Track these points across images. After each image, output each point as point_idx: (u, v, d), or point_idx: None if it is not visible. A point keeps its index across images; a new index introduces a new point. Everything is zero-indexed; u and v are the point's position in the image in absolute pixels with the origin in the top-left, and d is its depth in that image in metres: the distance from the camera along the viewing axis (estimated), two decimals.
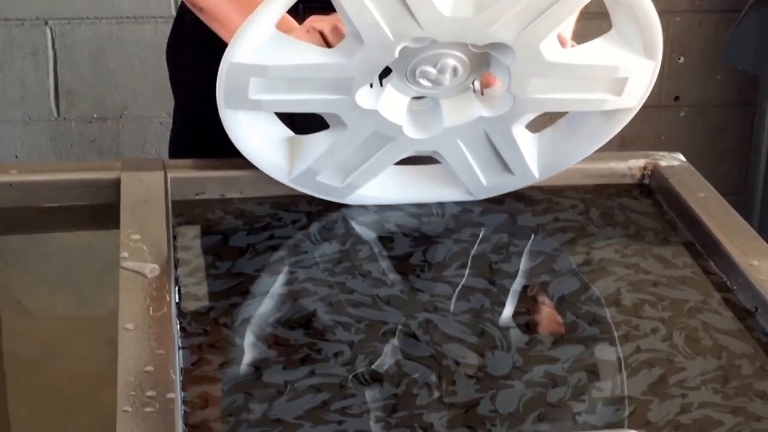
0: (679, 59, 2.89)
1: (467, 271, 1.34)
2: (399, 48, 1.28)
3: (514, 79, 1.33)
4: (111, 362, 1.08)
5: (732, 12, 2.85)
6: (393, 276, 1.32)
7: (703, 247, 1.38)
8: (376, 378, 1.14)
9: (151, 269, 1.23)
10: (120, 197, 1.38)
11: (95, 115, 2.76)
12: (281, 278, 1.32)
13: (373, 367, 1.16)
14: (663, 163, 1.52)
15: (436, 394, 1.12)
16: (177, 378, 1.08)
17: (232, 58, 1.27)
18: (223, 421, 1.07)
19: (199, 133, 1.58)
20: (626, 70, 1.34)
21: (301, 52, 1.29)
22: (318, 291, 1.29)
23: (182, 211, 1.42)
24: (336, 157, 1.38)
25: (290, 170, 1.40)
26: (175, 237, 1.36)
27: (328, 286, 1.30)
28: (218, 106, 1.33)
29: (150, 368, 1.07)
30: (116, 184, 1.42)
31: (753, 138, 2.92)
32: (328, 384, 1.13)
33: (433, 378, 1.14)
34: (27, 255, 1.43)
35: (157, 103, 2.75)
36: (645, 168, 1.52)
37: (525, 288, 1.32)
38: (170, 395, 1.04)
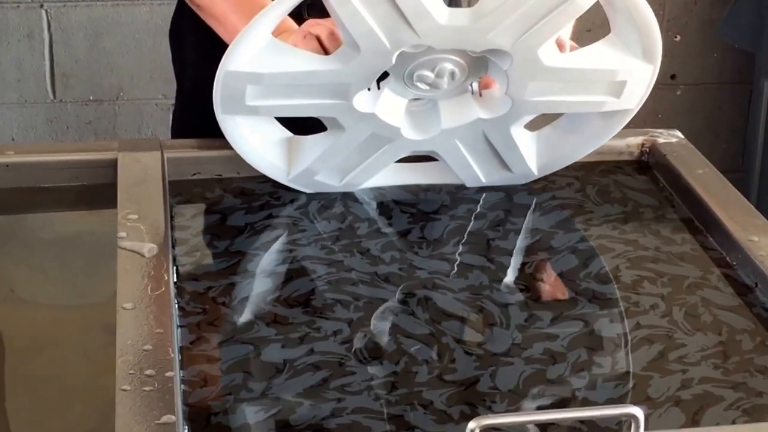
0: (676, 37, 2.88)
1: (465, 248, 1.34)
2: (396, 54, 1.27)
3: (512, 83, 1.32)
4: (108, 347, 1.08)
5: None
6: (391, 253, 1.32)
7: (702, 223, 1.38)
8: (375, 356, 1.14)
9: (149, 249, 1.23)
10: (117, 177, 1.38)
11: (91, 97, 2.76)
12: (280, 257, 1.32)
13: (372, 344, 1.15)
14: (661, 140, 1.51)
15: (436, 372, 1.12)
16: (176, 357, 1.08)
17: (228, 66, 1.27)
18: (222, 400, 1.07)
19: (202, 115, 1.57)
20: (625, 73, 1.34)
21: (297, 59, 1.29)
22: (316, 269, 1.28)
23: (179, 191, 1.42)
24: (334, 158, 1.38)
25: (288, 170, 1.40)
26: (172, 217, 1.36)
27: (326, 264, 1.30)
28: (215, 111, 1.32)
29: (149, 347, 1.07)
30: (113, 164, 1.41)
31: (750, 116, 2.92)
32: (327, 362, 1.12)
33: (433, 355, 1.14)
34: (24, 236, 1.43)
35: (153, 85, 2.74)
36: (643, 145, 1.52)
37: (523, 265, 1.31)
38: (169, 374, 1.04)
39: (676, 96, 2.91)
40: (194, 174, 1.45)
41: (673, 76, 2.90)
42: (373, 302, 1.23)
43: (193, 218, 1.40)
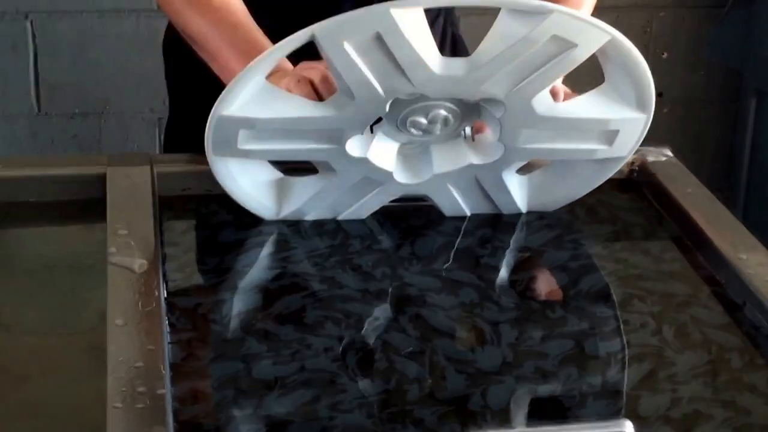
0: (663, 55, 2.90)
1: (455, 264, 1.34)
2: (390, 102, 1.28)
3: (505, 130, 1.33)
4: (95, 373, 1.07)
5: (716, 7, 2.86)
6: (383, 269, 1.32)
7: (692, 241, 1.39)
8: (366, 373, 1.14)
9: (140, 264, 1.23)
10: (106, 192, 1.38)
11: (77, 110, 2.75)
12: (271, 273, 1.32)
13: (363, 362, 1.15)
14: (650, 159, 1.52)
15: (427, 390, 1.12)
16: (167, 373, 1.07)
17: (221, 111, 1.27)
18: (213, 417, 1.07)
19: (195, 129, 1.58)
20: (618, 123, 1.34)
21: (291, 105, 1.29)
22: (307, 286, 1.28)
23: (170, 206, 1.41)
24: (325, 200, 1.38)
25: (279, 210, 1.39)
26: (162, 232, 1.36)
27: (318, 280, 1.29)
28: (206, 153, 1.32)
29: (140, 364, 1.07)
30: (102, 179, 1.41)
31: (736, 133, 2.93)
32: (318, 379, 1.12)
33: (424, 373, 1.14)
34: (9, 252, 1.42)
35: (139, 99, 2.74)
36: (632, 163, 1.52)
37: (513, 283, 1.31)
38: (161, 391, 1.03)
39: (663, 113, 2.92)
40: (184, 189, 1.44)
41: (660, 94, 2.90)
42: (364, 319, 1.23)
43: (183, 234, 1.40)
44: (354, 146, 1.32)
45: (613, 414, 1.09)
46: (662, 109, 2.92)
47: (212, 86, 1.47)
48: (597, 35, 1.25)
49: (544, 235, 1.41)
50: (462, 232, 1.40)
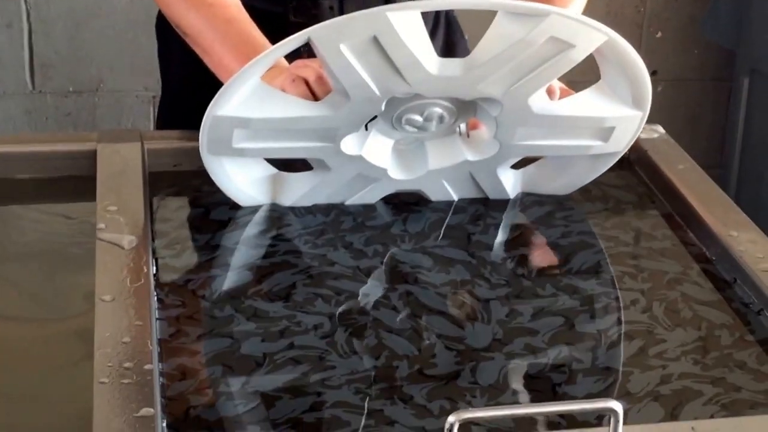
0: (657, 34, 2.89)
1: (446, 242, 1.34)
2: (385, 101, 1.27)
3: (501, 128, 1.32)
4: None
5: None
6: (374, 247, 1.32)
7: (683, 218, 1.38)
8: (355, 350, 1.13)
9: (129, 241, 1.23)
10: (96, 169, 1.37)
11: (71, 89, 2.74)
12: (262, 251, 1.31)
13: (352, 339, 1.15)
14: (643, 136, 1.51)
15: (416, 366, 1.12)
16: (155, 349, 1.07)
17: (216, 111, 1.26)
18: (201, 393, 1.07)
19: (188, 109, 1.57)
20: (614, 120, 1.34)
21: (286, 105, 1.28)
22: (299, 263, 1.28)
23: (160, 183, 1.41)
24: (319, 196, 1.38)
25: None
26: (152, 209, 1.35)
27: (309, 258, 1.29)
28: (201, 152, 1.31)
29: (127, 339, 1.06)
30: (92, 155, 1.41)
31: (729, 113, 2.93)
32: (307, 356, 1.12)
33: (414, 350, 1.14)
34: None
35: (133, 77, 2.73)
36: None
37: (504, 260, 1.31)
38: (148, 366, 1.03)
39: (657, 92, 2.90)
40: (175, 165, 1.44)
41: (654, 72, 2.90)
42: (354, 297, 1.23)
43: (173, 210, 1.39)
44: (349, 144, 1.32)
45: (602, 391, 1.09)
46: (656, 88, 2.89)
47: (205, 67, 1.47)
48: (594, 36, 1.25)
49: (536, 213, 1.41)
50: (454, 209, 1.40)
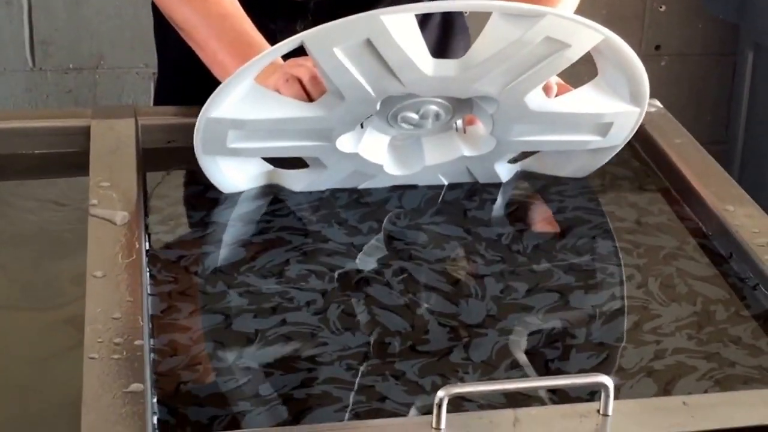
0: (661, 8, 2.87)
1: (442, 218, 1.33)
2: (380, 101, 1.27)
3: (498, 125, 1.32)
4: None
5: None
6: (369, 224, 1.31)
7: (679, 193, 1.38)
8: (347, 327, 1.13)
9: (122, 217, 1.22)
10: (90, 145, 1.37)
11: (71, 66, 2.74)
12: (256, 227, 1.31)
13: (345, 315, 1.15)
14: None
15: (409, 343, 1.11)
16: (146, 325, 1.07)
17: (210, 113, 1.25)
18: (192, 369, 1.06)
19: (184, 86, 1.57)
20: (611, 116, 1.33)
21: (280, 106, 1.27)
22: (293, 240, 1.27)
23: (155, 159, 1.40)
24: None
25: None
26: (146, 185, 1.35)
27: (303, 234, 1.29)
28: (195, 152, 1.30)
29: (118, 315, 1.06)
30: (87, 131, 1.40)
31: (734, 87, 2.92)
32: (299, 333, 1.12)
33: (407, 327, 1.13)
34: None
35: (133, 54, 2.73)
36: None
37: (499, 236, 1.31)
38: (138, 342, 1.03)
39: (661, 67, 2.90)
40: (169, 142, 1.44)
41: (657, 47, 2.89)
42: (348, 273, 1.22)
43: (169, 187, 1.39)
44: (345, 142, 1.31)
45: (596, 366, 1.09)
46: (660, 63, 2.90)
47: None
48: (590, 35, 1.24)
49: (531, 188, 1.40)
50: (449, 185, 1.39)
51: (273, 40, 1.50)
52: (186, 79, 1.53)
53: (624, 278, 1.23)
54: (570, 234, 1.31)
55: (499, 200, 1.38)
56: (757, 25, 2.73)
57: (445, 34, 1.64)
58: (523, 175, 1.42)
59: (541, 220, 1.36)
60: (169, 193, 1.37)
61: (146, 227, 1.26)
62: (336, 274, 1.21)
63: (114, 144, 1.37)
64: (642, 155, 1.46)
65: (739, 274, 1.23)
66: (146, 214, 1.29)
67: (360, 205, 1.35)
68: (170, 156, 1.42)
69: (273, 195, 1.36)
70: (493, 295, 1.19)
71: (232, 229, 1.30)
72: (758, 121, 2.80)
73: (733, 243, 1.26)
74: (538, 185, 1.40)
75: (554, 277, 1.22)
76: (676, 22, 2.90)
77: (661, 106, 1.52)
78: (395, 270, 1.23)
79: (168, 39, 1.69)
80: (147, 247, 1.22)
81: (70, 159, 1.40)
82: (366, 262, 1.24)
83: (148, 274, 1.18)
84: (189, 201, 1.36)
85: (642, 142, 1.47)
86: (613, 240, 1.30)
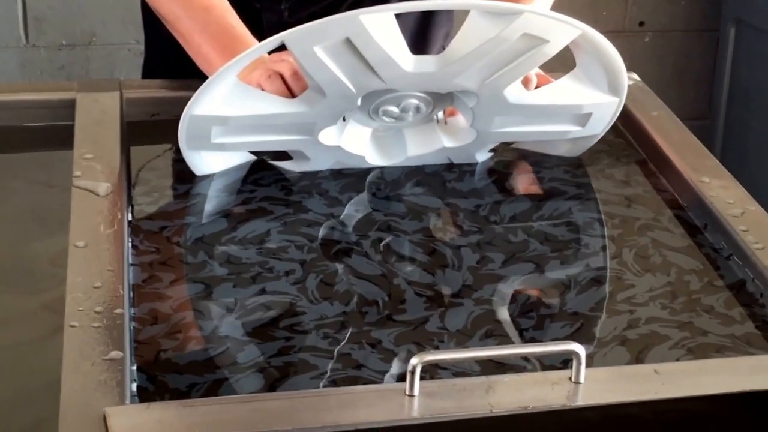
0: None
1: (422, 189, 1.35)
2: (361, 97, 1.28)
3: (478, 117, 1.33)
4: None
5: None
6: (349, 194, 1.33)
7: (656, 165, 1.39)
8: (325, 296, 1.15)
9: (105, 188, 1.24)
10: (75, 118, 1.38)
11: (64, 42, 2.75)
12: (238, 198, 1.32)
13: (323, 285, 1.16)
14: None
15: (386, 312, 1.13)
16: (126, 294, 1.08)
17: (193, 111, 1.27)
18: (172, 338, 1.08)
19: (170, 64, 1.58)
20: (591, 107, 1.35)
21: (263, 102, 1.29)
22: (274, 210, 1.29)
23: (139, 132, 1.42)
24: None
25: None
26: (130, 157, 1.36)
27: (284, 205, 1.30)
28: (180, 147, 1.32)
29: (99, 284, 1.08)
30: (72, 104, 1.41)
31: (717, 64, 2.92)
32: (277, 302, 1.13)
33: (384, 296, 1.15)
34: None
35: (125, 30, 2.73)
36: None
37: (478, 207, 1.32)
38: (118, 310, 1.04)
39: (645, 43, 2.91)
40: (153, 115, 1.45)
41: (641, 23, 2.90)
42: (327, 244, 1.24)
43: (153, 159, 1.40)
44: (327, 136, 1.33)
45: (569, 335, 1.10)
46: (643, 39, 2.91)
47: None
48: (567, 31, 1.26)
49: (509, 159, 1.42)
50: None
51: (257, 19, 1.51)
52: (172, 59, 1.54)
53: (599, 249, 1.25)
54: (546, 205, 1.32)
55: (478, 172, 1.39)
56: (739, 1, 2.74)
57: (426, 22, 1.65)
58: (501, 147, 1.43)
59: (519, 191, 1.37)
60: (154, 165, 1.39)
61: (130, 199, 1.28)
62: (316, 245, 1.23)
63: (98, 116, 1.38)
64: (619, 127, 1.47)
65: (713, 244, 1.25)
66: (132, 186, 1.30)
67: (341, 176, 1.37)
68: (155, 129, 1.44)
69: (257, 165, 1.37)
70: (469, 265, 1.21)
71: (216, 200, 1.32)
72: (740, 96, 2.81)
73: (707, 214, 1.27)
74: (516, 157, 1.42)
75: (530, 247, 1.24)
76: None
77: (639, 79, 1.53)
78: (374, 240, 1.24)
79: (154, 20, 1.70)
80: (130, 218, 1.24)
81: (57, 132, 1.41)
82: (345, 232, 1.26)
83: (130, 244, 1.19)
84: (173, 173, 1.37)
85: (620, 114, 1.48)
86: (589, 211, 1.31)
